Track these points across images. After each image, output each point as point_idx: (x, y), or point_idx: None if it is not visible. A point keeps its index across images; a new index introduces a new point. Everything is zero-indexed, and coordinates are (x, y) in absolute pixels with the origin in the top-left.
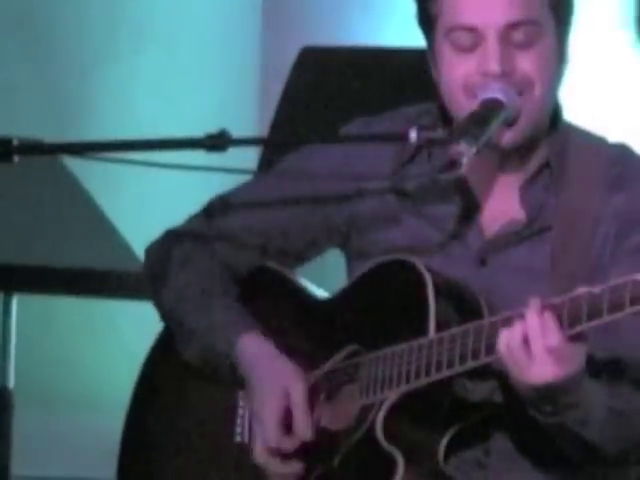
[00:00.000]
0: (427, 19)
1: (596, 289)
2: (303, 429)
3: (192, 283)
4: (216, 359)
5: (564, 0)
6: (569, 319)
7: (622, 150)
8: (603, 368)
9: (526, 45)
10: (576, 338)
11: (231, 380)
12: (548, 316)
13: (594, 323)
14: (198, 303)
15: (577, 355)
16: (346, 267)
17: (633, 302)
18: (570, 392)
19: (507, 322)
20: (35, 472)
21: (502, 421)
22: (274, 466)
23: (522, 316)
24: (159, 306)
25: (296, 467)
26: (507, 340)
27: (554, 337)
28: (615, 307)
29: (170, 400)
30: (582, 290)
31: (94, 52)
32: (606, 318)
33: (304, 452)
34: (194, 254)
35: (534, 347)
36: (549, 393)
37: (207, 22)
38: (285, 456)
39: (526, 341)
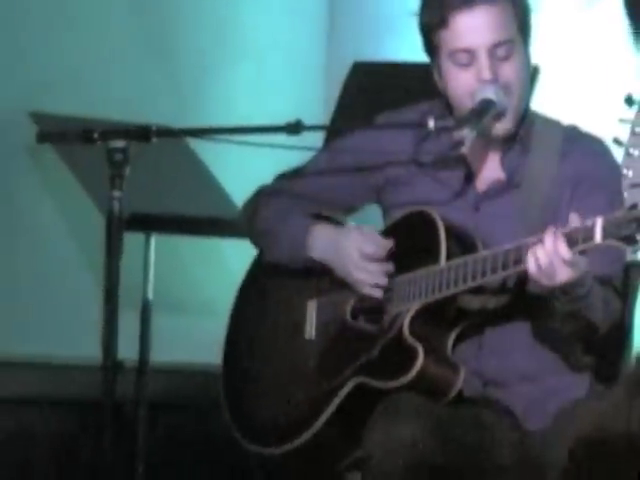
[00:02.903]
0: (432, 47)
1: (599, 219)
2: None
3: (276, 214)
4: (296, 244)
5: (527, 24)
6: (582, 239)
7: (573, 130)
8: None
9: (506, 58)
10: (581, 252)
11: (306, 259)
12: (560, 238)
13: (591, 245)
14: (280, 220)
15: (583, 262)
16: (382, 216)
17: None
18: (580, 286)
19: (533, 244)
20: (167, 359)
21: (492, 323)
22: (375, 268)
23: (541, 240)
24: (252, 235)
25: (388, 266)
26: (534, 259)
27: (566, 252)
28: (607, 235)
29: (258, 307)
30: (586, 222)
31: (206, 63)
32: (602, 243)
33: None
34: (277, 201)
35: (553, 260)
36: (567, 288)
37: (287, 41)
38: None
39: (547, 256)
